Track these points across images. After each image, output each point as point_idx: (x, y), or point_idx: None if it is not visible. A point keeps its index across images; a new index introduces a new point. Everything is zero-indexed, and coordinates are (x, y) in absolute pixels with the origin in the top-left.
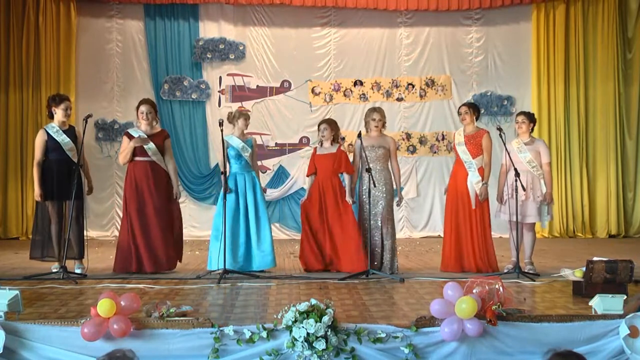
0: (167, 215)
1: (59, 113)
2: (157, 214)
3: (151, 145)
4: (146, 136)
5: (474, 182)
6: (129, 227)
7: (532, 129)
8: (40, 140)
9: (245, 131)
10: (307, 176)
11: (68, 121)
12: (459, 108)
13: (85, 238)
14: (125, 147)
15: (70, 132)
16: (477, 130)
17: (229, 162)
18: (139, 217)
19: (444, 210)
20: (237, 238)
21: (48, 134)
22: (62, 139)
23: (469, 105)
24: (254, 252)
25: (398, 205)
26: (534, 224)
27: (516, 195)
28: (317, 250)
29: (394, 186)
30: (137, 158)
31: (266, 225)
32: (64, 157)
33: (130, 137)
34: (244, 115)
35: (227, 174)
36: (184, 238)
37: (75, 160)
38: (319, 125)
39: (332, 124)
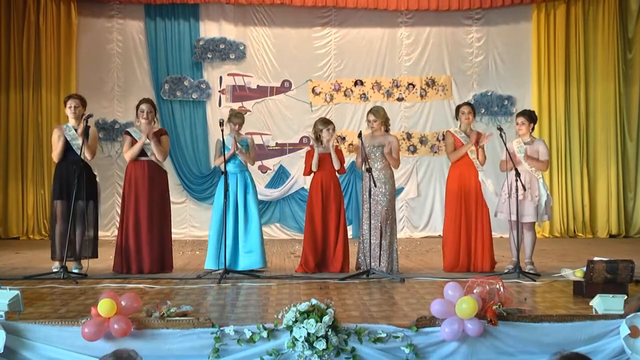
0: (162, 216)
1: (67, 112)
2: (153, 214)
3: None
4: (146, 137)
5: (486, 180)
6: (127, 227)
7: (533, 128)
8: (57, 136)
9: (241, 131)
10: (309, 174)
11: (79, 120)
12: (462, 107)
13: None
14: (128, 145)
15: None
16: (472, 130)
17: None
18: (135, 217)
19: (450, 211)
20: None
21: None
22: (72, 136)
23: (472, 105)
24: (240, 252)
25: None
26: (533, 223)
27: (516, 195)
28: (317, 251)
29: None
30: (138, 157)
31: (256, 225)
32: (76, 158)
33: (131, 136)
34: (232, 115)
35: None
36: (184, 238)
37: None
38: (326, 125)
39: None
